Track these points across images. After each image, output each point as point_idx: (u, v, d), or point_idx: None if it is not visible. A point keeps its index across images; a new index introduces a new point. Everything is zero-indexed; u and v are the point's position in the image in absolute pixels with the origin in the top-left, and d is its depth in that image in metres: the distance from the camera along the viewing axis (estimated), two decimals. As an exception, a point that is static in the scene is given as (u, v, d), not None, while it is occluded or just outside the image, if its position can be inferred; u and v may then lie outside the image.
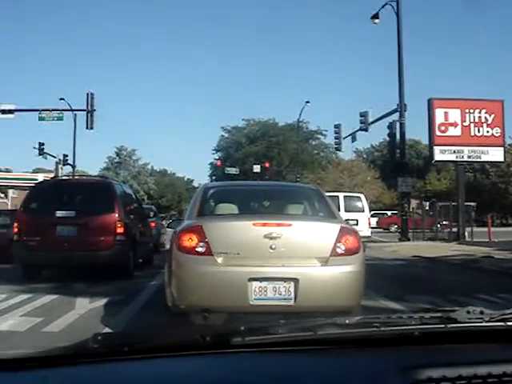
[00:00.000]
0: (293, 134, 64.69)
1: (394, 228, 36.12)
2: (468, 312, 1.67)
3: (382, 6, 28.09)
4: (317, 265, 5.88)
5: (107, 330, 6.46)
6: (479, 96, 30.93)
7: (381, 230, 35.63)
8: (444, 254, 17.32)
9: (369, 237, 22.41)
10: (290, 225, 6.05)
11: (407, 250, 19.78)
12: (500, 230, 35.57)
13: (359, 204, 23.70)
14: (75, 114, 38.82)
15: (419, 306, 7.91)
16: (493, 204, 50.14)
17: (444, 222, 27.98)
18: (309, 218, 6.87)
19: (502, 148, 27.23)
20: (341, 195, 24.21)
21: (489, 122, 26.55)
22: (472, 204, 29.61)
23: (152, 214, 16.67)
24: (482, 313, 1.66)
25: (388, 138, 30.12)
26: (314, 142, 76.18)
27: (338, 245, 5.94)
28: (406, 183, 26.81)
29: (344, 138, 37.17)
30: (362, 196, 24.80)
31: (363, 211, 23.40)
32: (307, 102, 51.24)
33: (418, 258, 17.30)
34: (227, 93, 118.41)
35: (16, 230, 11.35)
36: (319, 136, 74.94)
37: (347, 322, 1.94)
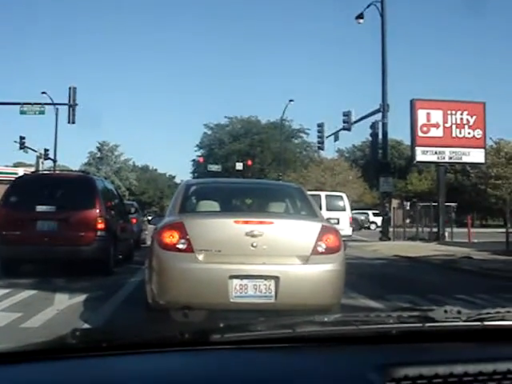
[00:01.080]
0: (276, 132, 64.75)
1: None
2: (445, 311, 1.69)
3: (367, 7, 28.30)
4: (297, 263, 5.89)
5: (86, 325, 6.42)
6: (462, 97, 31.23)
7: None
8: (424, 254, 17.44)
9: (350, 236, 22.51)
10: (272, 223, 6.06)
11: (388, 250, 19.91)
12: (479, 230, 35.88)
13: (341, 203, 23.78)
14: (57, 108, 38.53)
15: (398, 305, 7.96)
16: (473, 205, 50.64)
17: None
18: (290, 216, 6.88)
19: (482, 150, 27.53)
20: (323, 194, 24.30)
21: (470, 124, 26.77)
22: (452, 204, 29.86)
23: (133, 210, 16.56)
24: (459, 312, 1.67)
25: (370, 138, 30.31)
26: (296, 141, 76.31)
27: (319, 243, 5.96)
28: (387, 183, 26.99)
29: (327, 137, 37.36)
30: (343, 195, 24.87)
31: (345, 210, 23.49)
32: (291, 100, 51.44)
33: (399, 258, 17.42)
34: (210, 90, 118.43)
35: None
36: (302, 135, 75.24)
37: (326, 319, 1.95)
